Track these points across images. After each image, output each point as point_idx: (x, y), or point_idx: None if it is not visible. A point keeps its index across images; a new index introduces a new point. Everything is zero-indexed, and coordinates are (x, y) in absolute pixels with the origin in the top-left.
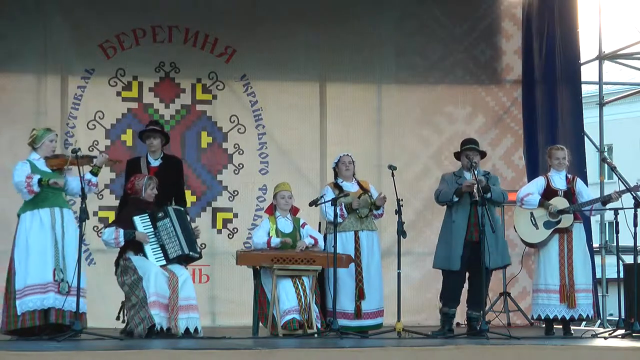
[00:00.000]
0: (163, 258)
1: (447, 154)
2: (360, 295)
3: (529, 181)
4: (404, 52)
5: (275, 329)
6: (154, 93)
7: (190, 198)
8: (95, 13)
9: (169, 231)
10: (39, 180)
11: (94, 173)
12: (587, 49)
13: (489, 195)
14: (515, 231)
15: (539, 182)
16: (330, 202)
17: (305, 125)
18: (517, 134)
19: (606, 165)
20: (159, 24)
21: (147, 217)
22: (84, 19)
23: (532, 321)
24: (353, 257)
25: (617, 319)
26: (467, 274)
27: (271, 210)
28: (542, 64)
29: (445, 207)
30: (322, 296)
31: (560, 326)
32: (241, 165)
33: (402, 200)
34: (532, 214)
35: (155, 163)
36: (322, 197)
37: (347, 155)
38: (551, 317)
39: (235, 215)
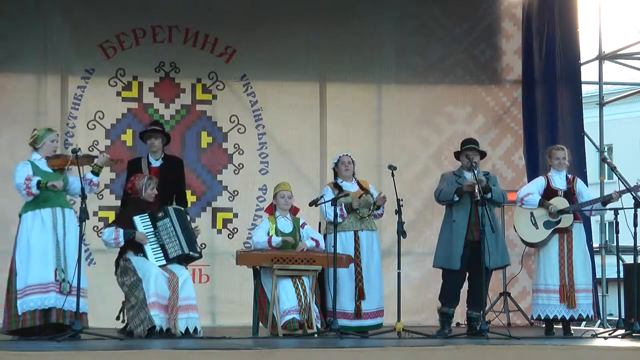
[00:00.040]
0: (163, 258)
1: (447, 154)
2: (360, 295)
3: (529, 181)
4: (404, 52)
5: (275, 329)
6: (154, 93)
7: (190, 198)
8: (95, 13)
9: (169, 231)
10: (38, 183)
11: (96, 173)
12: (587, 49)
13: (489, 195)
14: (515, 231)
15: (539, 182)
16: (330, 202)
17: (305, 125)
18: (517, 134)
19: (606, 165)
20: (159, 24)
21: (147, 217)
22: (84, 19)
23: (532, 321)
24: (352, 256)
25: (617, 319)
26: (467, 274)
27: (271, 210)
28: (542, 64)
29: (445, 206)
30: (322, 296)
31: (560, 326)
32: (241, 165)
33: (402, 200)
34: (532, 213)
35: (156, 163)
36: (321, 197)
37: (347, 155)
38: (551, 317)
39: (235, 215)
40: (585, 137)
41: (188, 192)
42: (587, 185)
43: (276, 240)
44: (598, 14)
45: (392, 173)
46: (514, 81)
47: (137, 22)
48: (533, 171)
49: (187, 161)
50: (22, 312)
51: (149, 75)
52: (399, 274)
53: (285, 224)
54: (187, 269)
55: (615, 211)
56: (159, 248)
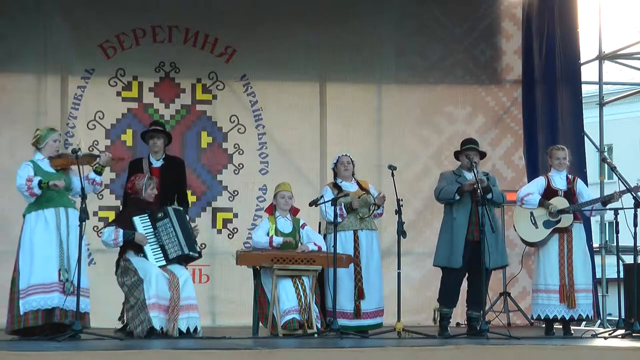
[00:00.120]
0: (163, 258)
1: (447, 154)
2: (359, 294)
3: (529, 181)
4: (404, 52)
5: (275, 329)
6: (154, 93)
7: (190, 198)
8: (95, 13)
9: (168, 231)
10: (39, 182)
11: (98, 172)
12: (587, 49)
13: (490, 196)
14: (515, 231)
15: (539, 182)
16: (330, 202)
17: (305, 125)
18: (517, 134)
19: (606, 165)
20: (159, 24)
21: (147, 217)
22: (84, 19)
23: (532, 321)
24: (352, 256)
25: (617, 319)
26: (467, 274)
27: (271, 210)
28: (542, 64)
29: (444, 205)
30: (322, 296)
31: (560, 326)
32: (241, 165)
33: (402, 200)
34: (532, 213)
35: (157, 164)
36: (321, 197)
37: (346, 155)
38: (551, 317)
39: (235, 215)
40: (585, 137)
41: (188, 192)
42: (587, 185)
43: (277, 240)
44: (598, 14)
45: (392, 173)
46: (514, 81)
47: (137, 22)
48: (533, 171)
49: (187, 161)
50: (24, 312)
51: (149, 75)
52: (399, 274)
53: (285, 224)
54: (187, 269)
55: (615, 211)
56: (159, 248)
